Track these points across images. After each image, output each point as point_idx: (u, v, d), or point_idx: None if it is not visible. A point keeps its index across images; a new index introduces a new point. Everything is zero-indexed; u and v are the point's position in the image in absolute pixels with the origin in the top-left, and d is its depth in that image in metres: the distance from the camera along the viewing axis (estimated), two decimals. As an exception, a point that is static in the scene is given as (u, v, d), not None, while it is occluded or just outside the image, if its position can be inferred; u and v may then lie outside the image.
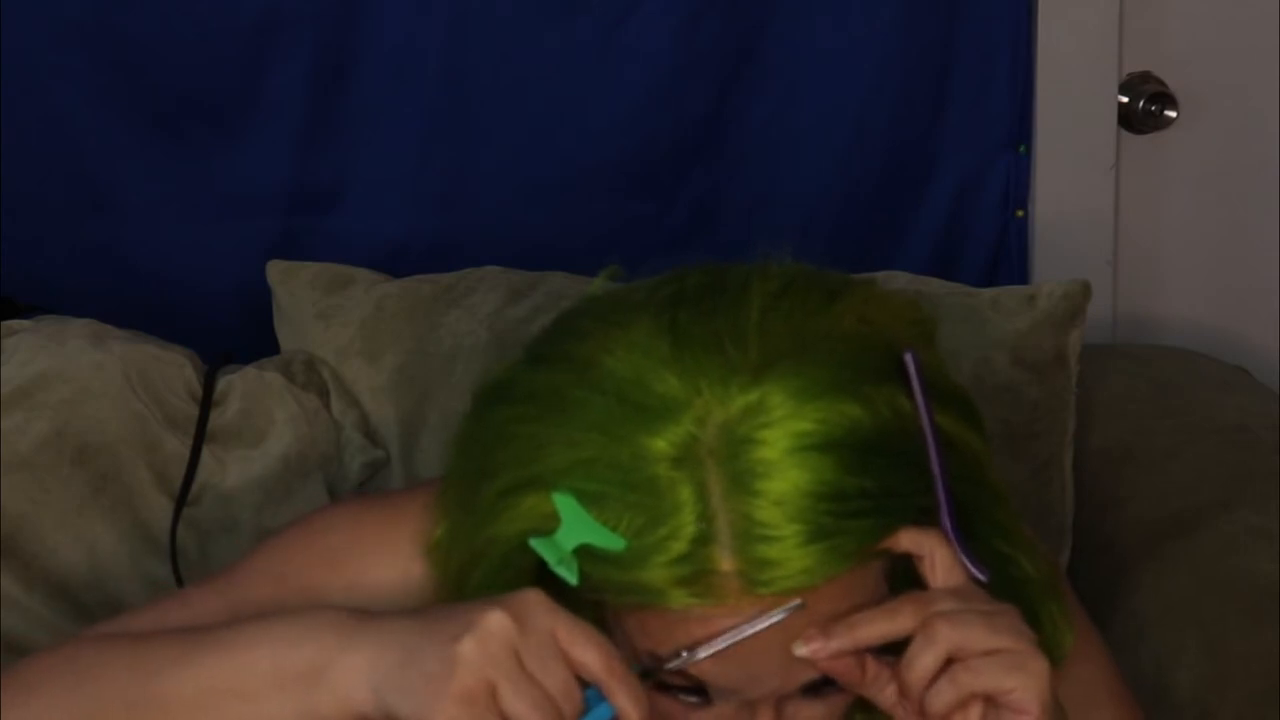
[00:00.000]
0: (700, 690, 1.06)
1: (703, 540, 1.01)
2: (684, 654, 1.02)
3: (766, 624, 1.01)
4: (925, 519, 1.05)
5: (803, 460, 1.00)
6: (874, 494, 1.02)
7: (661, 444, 1.01)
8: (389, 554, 1.16)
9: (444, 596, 1.13)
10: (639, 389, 1.03)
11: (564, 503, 1.02)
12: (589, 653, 1.01)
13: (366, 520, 1.20)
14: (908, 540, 1.04)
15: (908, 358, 1.06)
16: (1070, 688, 1.19)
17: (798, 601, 1.01)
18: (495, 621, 1.00)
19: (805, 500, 1.00)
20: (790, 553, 1.00)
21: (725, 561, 1.01)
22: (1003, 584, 1.10)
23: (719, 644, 1.02)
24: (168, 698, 1.06)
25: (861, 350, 1.05)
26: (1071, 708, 1.19)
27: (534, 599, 1.01)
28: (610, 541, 1.01)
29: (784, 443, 1.01)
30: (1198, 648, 1.54)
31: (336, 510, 1.27)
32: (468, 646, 0.99)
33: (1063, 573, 1.27)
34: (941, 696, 1.03)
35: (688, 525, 1.01)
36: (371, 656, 1.01)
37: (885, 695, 1.06)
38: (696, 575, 1.01)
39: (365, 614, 1.04)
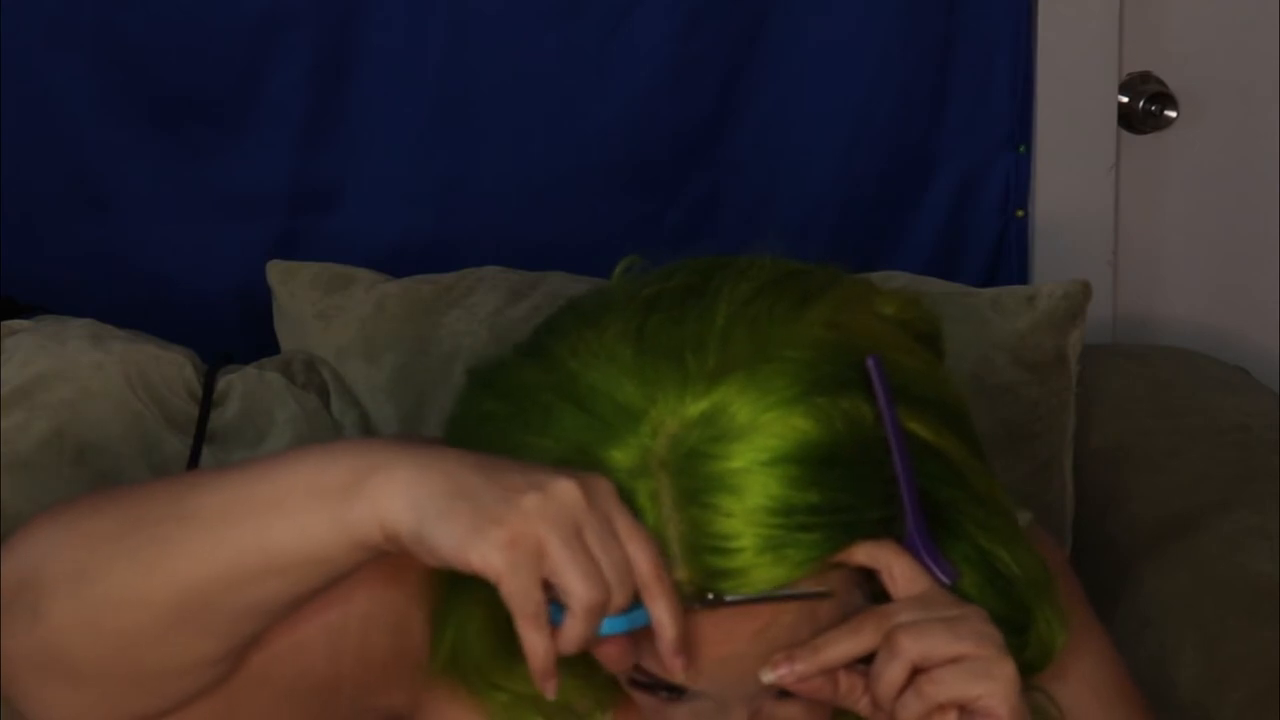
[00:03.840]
0: (673, 686, 1.06)
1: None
2: (710, 596, 1.02)
3: (789, 596, 1.02)
4: (889, 527, 1.05)
5: (750, 475, 1.00)
6: (823, 509, 1.02)
7: (618, 455, 1.02)
8: None
9: (434, 581, 1.12)
10: (600, 397, 1.03)
11: None
12: (642, 552, 0.98)
13: None
14: (863, 555, 1.04)
15: (869, 363, 1.05)
16: (1077, 687, 1.20)
17: (825, 590, 1.03)
18: (564, 488, 0.97)
19: (753, 514, 1.00)
20: (740, 563, 1.01)
21: (677, 571, 1.01)
22: (989, 584, 1.10)
23: (736, 599, 1.01)
24: (198, 509, 1.01)
25: (823, 359, 1.04)
26: (1079, 706, 1.19)
27: (604, 484, 0.99)
28: None
29: (734, 456, 1.01)
30: (1197, 647, 1.54)
31: None
32: (531, 499, 0.96)
33: (1068, 572, 1.26)
34: (909, 709, 1.03)
35: None
36: (416, 475, 0.97)
37: (862, 705, 1.06)
38: None
39: (410, 437, 1.00)
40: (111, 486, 1.08)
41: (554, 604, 0.98)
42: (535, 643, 0.97)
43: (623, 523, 0.99)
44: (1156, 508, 1.70)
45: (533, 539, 0.96)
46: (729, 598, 1.01)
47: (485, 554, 0.95)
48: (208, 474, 1.05)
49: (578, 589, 0.96)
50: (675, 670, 1.00)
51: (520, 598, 0.96)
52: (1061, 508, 1.72)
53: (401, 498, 0.97)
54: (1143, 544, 1.67)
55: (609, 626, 0.99)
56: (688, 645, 1.00)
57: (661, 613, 0.99)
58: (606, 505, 0.98)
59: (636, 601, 0.99)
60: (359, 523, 0.98)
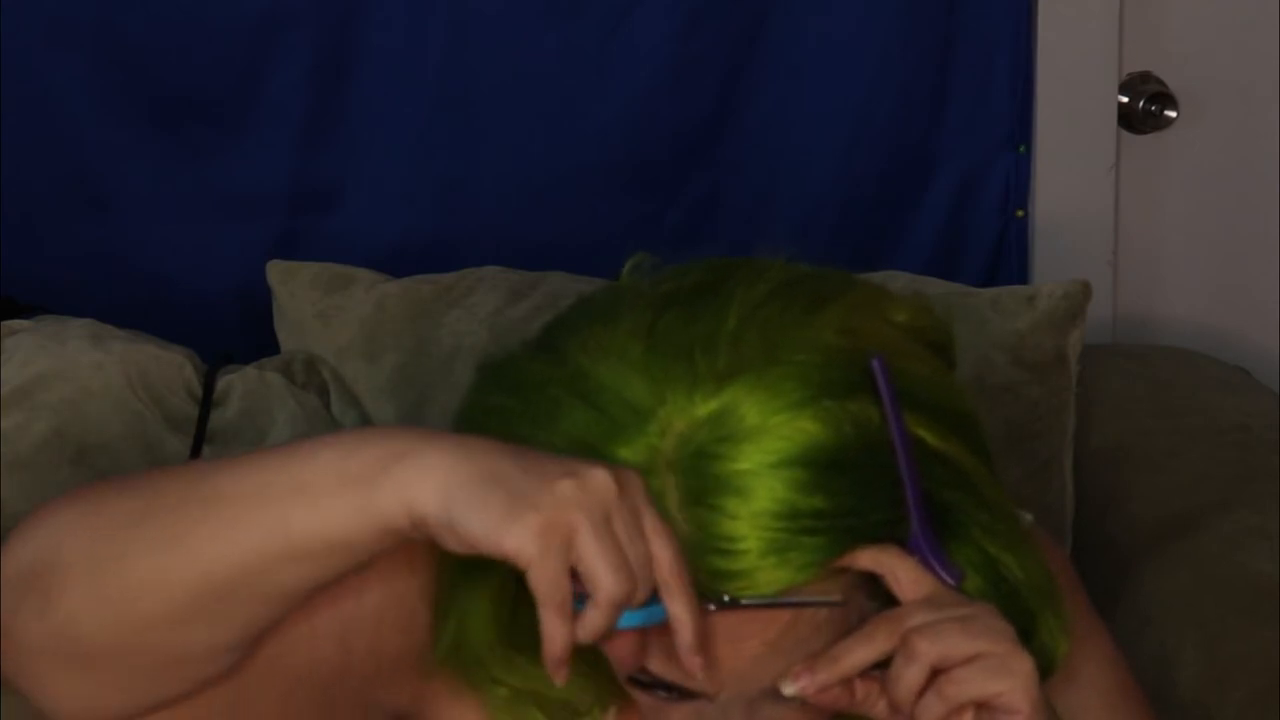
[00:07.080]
0: (673, 687, 1.06)
1: None
2: (726, 598, 1.01)
3: (803, 603, 1.02)
4: (893, 531, 1.05)
5: (757, 477, 1.00)
6: (828, 513, 1.01)
7: (624, 453, 1.01)
8: None
9: (439, 571, 1.12)
10: (608, 394, 1.03)
11: None
12: (665, 549, 0.98)
13: None
14: (866, 559, 1.04)
15: (874, 365, 1.05)
16: (1082, 689, 1.20)
17: (839, 599, 1.03)
18: (599, 476, 0.96)
19: (758, 517, 1.00)
20: (743, 565, 1.00)
21: None
22: (993, 589, 1.09)
23: (751, 601, 1.01)
24: (221, 493, 0.99)
25: (833, 363, 1.04)
26: (1084, 709, 1.19)
27: (635, 478, 0.98)
28: None
29: (741, 458, 1.01)
30: (1198, 647, 1.54)
31: None
32: (566, 485, 0.95)
33: (1069, 572, 1.26)
34: (931, 710, 1.03)
35: None
36: (447, 462, 0.96)
37: (878, 710, 1.06)
38: None
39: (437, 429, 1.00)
40: (123, 475, 1.06)
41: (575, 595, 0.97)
42: (555, 629, 0.96)
43: (649, 518, 0.98)
44: (1156, 508, 1.70)
45: (566, 525, 0.95)
46: (744, 600, 1.01)
47: (520, 538, 0.94)
48: (226, 460, 1.03)
49: (605, 580, 0.95)
50: (693, 668, 0.99)
51: (548, 585, 0.95)
52: (1061, 508, 1.72)
53: (430, 483, 0.96)
54: (1143, 544, 1.67)
55: (626, 620, 0.98)
56: (705, 644, 1.00)
57: (680, 610, 0.98)
58: (636, 499, 0.97)
59: (653, 598, 0.99)
60: (385, 508, 0.96)
